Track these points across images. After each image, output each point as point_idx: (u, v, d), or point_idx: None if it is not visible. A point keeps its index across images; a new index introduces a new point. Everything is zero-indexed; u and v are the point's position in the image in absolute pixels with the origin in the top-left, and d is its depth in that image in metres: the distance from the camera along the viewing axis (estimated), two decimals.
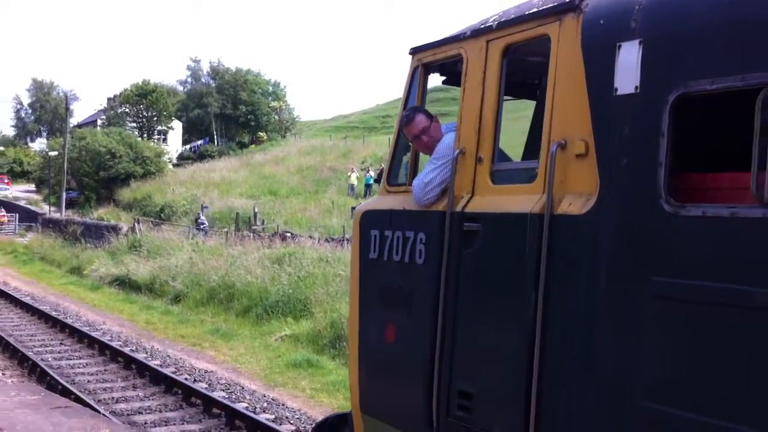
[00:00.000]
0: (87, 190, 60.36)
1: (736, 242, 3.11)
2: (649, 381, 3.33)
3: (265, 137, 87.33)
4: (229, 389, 12.47)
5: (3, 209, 56.47)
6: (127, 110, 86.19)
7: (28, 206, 58.21)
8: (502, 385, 4.08)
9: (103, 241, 32.81)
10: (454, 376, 4.40)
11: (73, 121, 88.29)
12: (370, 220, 5.42)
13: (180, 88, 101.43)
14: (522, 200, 4.08)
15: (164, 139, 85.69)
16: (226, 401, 11.27)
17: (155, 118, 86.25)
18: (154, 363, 14.32)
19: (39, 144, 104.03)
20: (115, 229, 34.10)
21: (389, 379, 5.05)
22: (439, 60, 5.10)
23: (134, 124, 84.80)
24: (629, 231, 3.52)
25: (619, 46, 3.62)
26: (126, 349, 15.63)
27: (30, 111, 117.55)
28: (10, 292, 25.09)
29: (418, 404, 4.61)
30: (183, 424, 10.92)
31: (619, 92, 3.60)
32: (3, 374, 14.58)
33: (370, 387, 5.30)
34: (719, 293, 3.10)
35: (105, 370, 14.51)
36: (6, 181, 76.82)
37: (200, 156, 78.07)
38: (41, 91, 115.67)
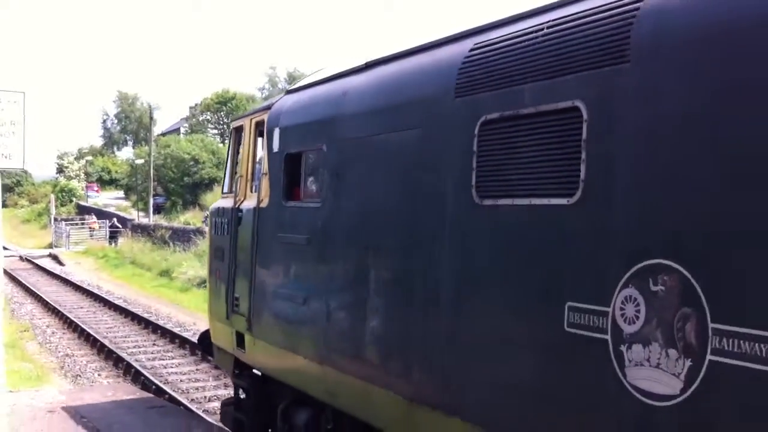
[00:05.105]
0: (173, 195, 61.56)
1: (296, 217, 6.92)
2: (275, 282, 7.22)
3: None
4: None
5: (94, 216, 58.10)
6: (208, 118, 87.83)
7: (118, 213, 59.75)
8: (244, 290, 7.84)
9: (190, 244, 33.32)
10: (234, 291, 8.15)
11: (157, 129, 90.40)
12: (213, 212, 9.51)
13: (258, 94, 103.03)
14: (253, 201, 7.88)
15: None
16: None
17: None
18: None
19: (126, 153, 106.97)
20: (201, 233, 34.55)
21: (216, 298, 8.93)
22: (239, 126, 8.79)
23: (216, 131, 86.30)
24: (273, 214, 7.31)
25: (274, 130, 7.46)
26: None
27: (116, 122, 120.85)
28: (103, 295, 25.70)
29: (223, 308, 8.44)
30: None
31: (274, 151, 7.40)
32: (99, 375, 14.84)
33: (211, 304, 9.26)
34: (290, 240, 6.87)
35: (197, 370, 14.61)
36: (96, 189, 79.19)
37: None
38: (126, 102, 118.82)
